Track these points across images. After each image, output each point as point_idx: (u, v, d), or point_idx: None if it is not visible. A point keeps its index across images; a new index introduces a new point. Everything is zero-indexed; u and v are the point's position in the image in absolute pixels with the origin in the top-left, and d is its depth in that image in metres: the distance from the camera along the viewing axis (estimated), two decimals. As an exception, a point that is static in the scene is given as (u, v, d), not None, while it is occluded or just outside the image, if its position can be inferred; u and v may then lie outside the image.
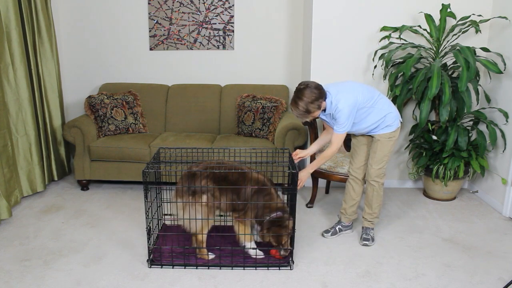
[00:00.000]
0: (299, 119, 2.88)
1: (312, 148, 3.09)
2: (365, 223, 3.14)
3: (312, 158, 3.71)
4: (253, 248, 2.83)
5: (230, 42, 4.55)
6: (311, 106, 2.67)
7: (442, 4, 3.67)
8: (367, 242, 3.06)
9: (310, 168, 3.00)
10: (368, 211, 3.09)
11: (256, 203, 2.72)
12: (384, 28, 3.81)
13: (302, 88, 2.69)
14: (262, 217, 2.74)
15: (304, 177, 2.97)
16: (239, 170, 2.75)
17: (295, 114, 2.76)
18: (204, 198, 2.69)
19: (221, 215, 2.93)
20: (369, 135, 3.02)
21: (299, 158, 3.02)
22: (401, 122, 2.98)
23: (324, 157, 2.90)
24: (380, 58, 3.80)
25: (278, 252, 2.80)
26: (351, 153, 3.18)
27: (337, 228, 3.22)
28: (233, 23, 4.50)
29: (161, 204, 3.14)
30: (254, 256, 2.82)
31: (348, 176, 3.20)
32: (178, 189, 2.76)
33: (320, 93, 2.68)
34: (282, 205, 2.78)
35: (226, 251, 2.85)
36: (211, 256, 2.82)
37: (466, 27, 3.64)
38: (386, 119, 2.87)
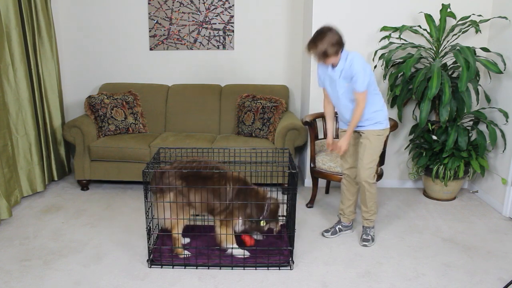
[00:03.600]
0: (315, 60, 2.78)
1: (330, 126, 3.10)
2: (364, 222, 3.14)
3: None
4: (237, 248, 2.84)
5: (230, 42, 4.55)
6: (330, 49, 2.64)
7: (442, 4, 3.67)
8: (366, 243, 3.06)
9: (348, 134, 2.90)
10: (364, 209, 3.09)
11: (242, 203, 2.74)
12: (384, 28, 3.81)
13: (324, 30, 2.66)
14: (256, 216, 2.77)
15: (345, 145, 2.91)
16: (214, 168, 2.73)
17: (312, 55, 2.71)
18: (171, 196, 2.69)
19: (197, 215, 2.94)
20: (357, 133, 3.01)
21: (333, 148, 3.05)
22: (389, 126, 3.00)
23: (357, 117, 2.83)
24: (380, 58, 3.80)
25: (250, 238, 2.93)
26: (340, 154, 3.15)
27: (337, 228, 3.22)
28: (233, 23, 4.50)
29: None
30: (242, 256, 2.82)
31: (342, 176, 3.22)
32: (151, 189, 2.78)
33: (341, 39, 2.68)
34: (264, 194, 2.84)
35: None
36: (187, 253, 2.82)
37: (466, 27, 3.64)
38: (377, 115, 2.89)
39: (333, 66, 2.80)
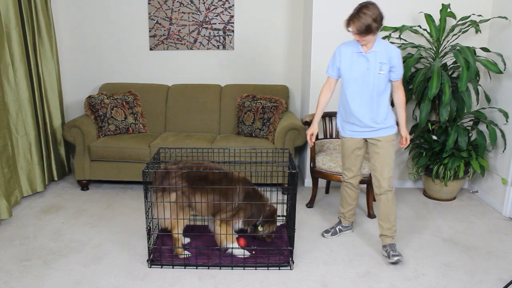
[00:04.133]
0: (355, 37, 2.65)
1: (319, 116, 2.96)
2: (387, 240, 2.89)
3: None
4: (238, 248, 2.84)
5: (230, 42, 4.55)
6: (374, 24, 2.52)
7: (442, 4, 3.67)
8: (399, 258, 2.78)
9: (404, 126, 2.90)
10: (387, 225, 2.87)
11: (244, 204, 2.74)
12: (384, 28, 3.80)
13: (368, 4, 2.56)
14: (257, 217, 2.79)
15: (408, 136, 2.93)
16: (220, 170, 2.73)
17: (352, 29, 2.59)
18: (173, 196, 2.68)
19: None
20: (364, 140, 2.92)
21: (313, 139, 2.98)
22: None
23: (404, 106, 2.84)
24: (380, 58, 3.80)
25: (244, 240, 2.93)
26: (343, 161, 3.06)
27: (337, 229, 3.22)
28: (233, 23, 4.50)
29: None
30: (242, 256, 2.82)
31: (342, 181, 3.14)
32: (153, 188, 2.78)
33: (382, 17, 2.58)
34: (266, 200, 2.86)
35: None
36: (187, 253, 2.82)
37: (466, 27, 3.64)
38: (390, 116, 2.82)
39: (366, 48, 2.69)
